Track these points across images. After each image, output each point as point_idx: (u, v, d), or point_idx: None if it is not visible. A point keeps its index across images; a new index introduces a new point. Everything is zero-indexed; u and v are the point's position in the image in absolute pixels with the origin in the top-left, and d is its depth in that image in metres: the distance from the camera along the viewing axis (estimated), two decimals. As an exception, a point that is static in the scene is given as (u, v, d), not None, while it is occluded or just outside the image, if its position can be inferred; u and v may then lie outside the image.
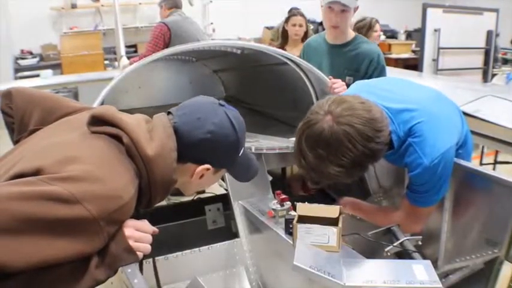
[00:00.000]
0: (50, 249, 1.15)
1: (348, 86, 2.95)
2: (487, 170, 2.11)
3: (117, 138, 1.37)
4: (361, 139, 1.74)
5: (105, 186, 1.22)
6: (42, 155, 1.29)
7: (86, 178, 1.20)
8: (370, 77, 3.08)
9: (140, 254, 1.40)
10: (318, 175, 1.86)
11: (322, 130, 1.75)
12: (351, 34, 3.16)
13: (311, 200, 2.04)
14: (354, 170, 1.83)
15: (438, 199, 2.05)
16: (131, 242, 1.37)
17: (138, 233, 1.40)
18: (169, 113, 1.58)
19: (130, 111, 3.98)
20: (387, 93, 2.05)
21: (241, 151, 1.63)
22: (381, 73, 3.10)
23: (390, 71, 3.20)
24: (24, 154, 1.35)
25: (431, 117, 1.96)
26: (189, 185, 1.59)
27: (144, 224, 1.44)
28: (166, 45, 5.17)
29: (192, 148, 1.49)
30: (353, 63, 3.08)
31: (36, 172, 1.20)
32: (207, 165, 1.53)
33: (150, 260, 1.98)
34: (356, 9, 3.03)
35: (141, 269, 1.52)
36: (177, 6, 5.60)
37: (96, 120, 1.41)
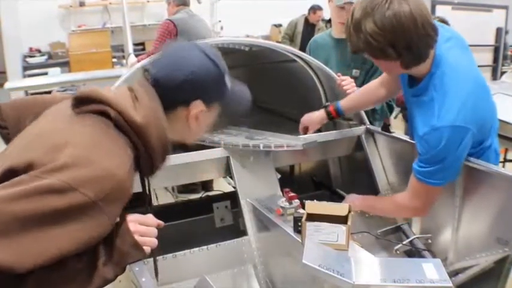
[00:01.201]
0: (56, 242, 1.15)
1: (355, 79, 2.96)
2: (497, 167, 2.09)
3: (104, 114, 1.34)
4: (411, 17, 1.80)
5: (97, 167, 1.20)
6: (31, 146, 1.28)
7: (76, 163, 1.18)
8: (377, 69, 3.07)
9: (147, 249, 1.40)
10: (356, 34, 1.89)
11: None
12: None
13: (320, 198, 2.03)
14: (387, 40, 1.83)
15: (442, 182, 1.99)
16: (137, 237, 1.37)
17: (143, 227, 1.41)
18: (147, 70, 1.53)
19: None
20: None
21: (228, 81, 1.68)
22: None
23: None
24: (13, 149, 1.35)
25: (471, 84, 1.96)
26: (188, 133, 1.57)
27: (148, 218, 1.45)
28: (174, 42, 5.17)
29: (177, 91, 1.47)
30: (360, 56, 3.06)
31: (28, 166, 1.19)
32: (198, 104, 1.50)
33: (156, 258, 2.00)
34: None
35: (156, 270, 1.51)
36: (185, 3, 5.60)
37: (80, 101, 1.37)
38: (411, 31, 1.80)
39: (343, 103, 2.60)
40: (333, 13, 3.12)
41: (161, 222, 1.47)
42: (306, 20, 8.92)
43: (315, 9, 8.74)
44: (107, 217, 1.22)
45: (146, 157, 1.39)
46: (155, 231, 1.44)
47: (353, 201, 2.27)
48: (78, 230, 1.18)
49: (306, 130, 2.67)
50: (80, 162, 1.19)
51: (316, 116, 2.66)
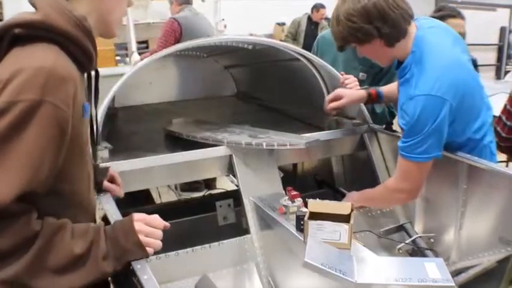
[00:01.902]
0: (24, 157, 1.19)
1: (361, 82, 2.95)
2: (500, 167, 2.09)
3: (15, 35, 1.31)
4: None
5: (25, 71, 1.21)
6: None
7: (9, 79, 1.20)
8: (385, 74, 3.08)
9: (150, 250, 1.40)
10: (337, 26, 2.07)
11: None
12: None
13: (323, 197, 2.03)
14: (363, 18, 1.99)
15: (425, 156, 2.04)
16: (141, 237, 1.38)
17: (148, 228, 1.41)
18: None
19: (142, 107, 4.02)
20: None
21: None
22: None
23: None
24: None
25: (449, 60, 2.05)
26: (108, 11, 1.49)
27: (156, 218, 1.44)
28: (177, 41, 5.18)
29: None
30: (368, 59, 3.07)
31: None
32: None
33: (157, 256, 2.01)
34: None
35: None
36: (188, 2, 5.61)
37: None
38: (382, 5, 1.96)
39: (383, 89, 2.61)
40: None
41: (167, 224, 1.47)
42: (309, 19, 8.94)
43: (318, 7, 8.77)
44: (60, 107, 1.23)
45: (69, 44, 1.35)
46: (160, 233, 1.43)
47: (352, 197, 2.31)
48: (40, 133, 1.21)
49: (335, 100, 2.58)
50: (11, 76, 1.21)
51: (357, 92, 2.61)
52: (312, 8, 8.87)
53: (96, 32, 1.47)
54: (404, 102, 2.05)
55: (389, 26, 1.99)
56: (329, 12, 8.73)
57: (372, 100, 2.59)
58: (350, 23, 2.01)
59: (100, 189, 1.87)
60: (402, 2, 2.01)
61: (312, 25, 8.90)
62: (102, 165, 2.03)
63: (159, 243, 1.42)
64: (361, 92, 2.58)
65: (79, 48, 1.37)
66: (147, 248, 1.39)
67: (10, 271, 1.21)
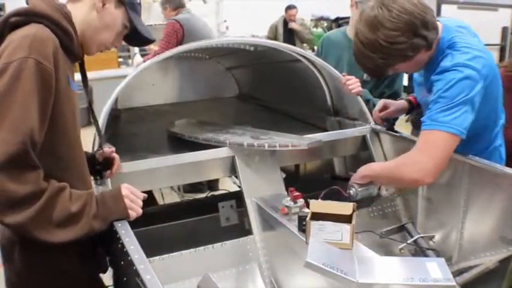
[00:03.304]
0: (20, 99, 1.41)
1: (365, 82, 2.96)
2: (502, 167, 2.09)
3: (12, 25, 1.56)
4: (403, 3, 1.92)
5: (17, 40, 1.47)
6: None
7: (4, 47, 1.48)
8: (388, 76, 3.08)
9: (132, 214, 1.66)
10: (376, 54, 1.96)
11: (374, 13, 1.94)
12: None
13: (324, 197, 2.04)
14: (408, 33, 1.91)
15: (449, 127, 1.91)
16: (127, 201, 1.65)
17: (132, 195, 1.67)
18: None
19: (146, 108, 4.04)
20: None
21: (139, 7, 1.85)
22: (400, 73, 3.11)
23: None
24: None
25: (480, 43, 2.05)
26: (94, 23, 1.71)
27: (137, 190, 1.71)
28: (179, 42, 5.18)
29: None
30: None
31: None
32: None
33: (160, 256, 2.02)
34: None
35: None
36: (182, 5, 5.61)
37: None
38: (417, 11, 1.90)
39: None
40: (355, 15, 3.09)
41: (145, 195, 1.74)
42: (285, 21, 9.04)
43: (287, 8, 8.98)
44: (42, 62, 1.44)
45: (51, 25, 1.57)
46: (141, 202, 1.70)
47: (373, 169, 2.16)
48: (28, 84, 1.41)
49: (383, 110, 2.57)
50: (6, 46, 1.48)
51: (400, 102, 2.61)
52: (285, 9, 9.04)
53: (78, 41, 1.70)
54: (439, 73, 1.98)
55: (430, 29, 1.94)
56: (301, 11, 8.89)
57: (413, 107, 2.57)
58: (397, 45, 1.91)
59: (101, 176, 2.05)
60: (422, 0, 1.96)
61: (288, 27, 9.05)
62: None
63: (140, 210, 1.68)
64: (404, 102, 2.58)
65: (60, 29, 1.59)
66: (130, 212, 1.65)
67: (18, 218, 1.41)
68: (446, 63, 1.97)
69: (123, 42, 1.90)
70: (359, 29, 2.01)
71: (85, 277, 1.76)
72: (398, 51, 1.94)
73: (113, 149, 2.07)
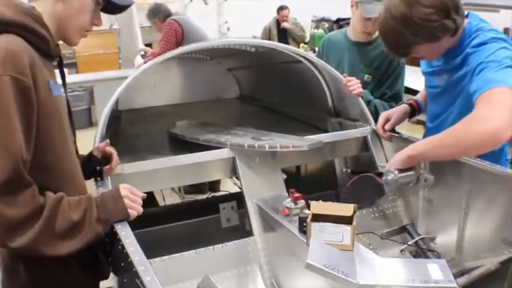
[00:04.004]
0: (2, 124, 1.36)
1: (366, 84, 2.97)
2: (504, 168, 2.09)
3: None
4: None
5: None
6: None
7: None
8: (388, 77, 3.09)
9: (133, 213, 1.64)
10: (408, 29, 1.97)
11: None
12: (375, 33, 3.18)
13: (326, 198, 2.03)
14: (442, 13, 1.94)
15: (505, 80, 1.83)
16: (126, 201, 1.63)
17: (132, 195, 1.66)
18: None
19: (147, 109, 4.04)
20: None
21: None
22: (401, 73, 3.12)
23: (407, 69, 3.21)
24: None
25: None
26: (68, 17, 1.62)
27: (135, 189, 1.70)
28: (179, 42, 5.20)
29: None
30: (374, 62, 3.10)
31: None
32: None
33: (161, 258, 2.02)
34: None
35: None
36: (169, 14, 5.65)
37: None
38: None
39: (417, 97, 2.62)
40: (357, 21, 3.08)
41: (144, 195, 1.72)
42: (278, 22, 9.11)
43: (279, 9, 9.07)
44: (19, 78, 1.38)
45: (20, 30, 1.47)
46: (140, 201, 1.69)
47: (415, 148, 2.04)
48: (11, 108, 1.36)
49: (386, 122, 2.55)
50: None
51: (401, 107, 2.60)
52: (276, 10, 9.10)
53: (57, 37, 1.64)
54: (474, 48, 2.02)
55: (460, 14, 1.98)
56: (293, 12, 8.92)
57: (414, 110, 2.57)
58: (429, 23, 1.94)
59: (101, 176, 2.04)
60: None
61: (281, 27, 9.10)
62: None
63: (140, 209, 1.67)
64: (405, 106, 2.58)
65: (33, 34, 1.50)
66: (130, 211, 1.63)
67: (23, 240, 1.39)
68: (481, 39, 2.02)
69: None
70: (392, 4, 2.00)
71: (87, 286, 1.76)
72: (429, 30, 1.96)
73: (107, 141, 2.08)
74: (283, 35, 9.11)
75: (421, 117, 2.76)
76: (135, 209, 1.65)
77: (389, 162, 2.11)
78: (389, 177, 2.07)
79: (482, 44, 2.00)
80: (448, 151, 1.94)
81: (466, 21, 2.10)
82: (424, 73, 2.43)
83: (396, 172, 2.05)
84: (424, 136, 2.45)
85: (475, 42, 2.03)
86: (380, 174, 2.15)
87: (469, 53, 2.03)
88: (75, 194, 1.61)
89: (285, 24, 9.08)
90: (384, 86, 3.10)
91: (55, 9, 1.60)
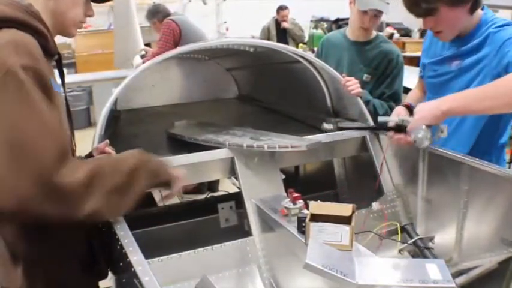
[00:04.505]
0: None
1: (365, 83, 2.97)
2: (502, 168, 2.09)
3: None
4: None
5: None
6: None
7: None
8: (387, 77, 3.10)
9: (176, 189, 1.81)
10: None
11: None
12: (373, 33, 3.19)
13: (324, 199, 2.03)
14: None
15: None
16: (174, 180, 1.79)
17: (181, 179, 1.83)
18: None
19: (145, 109, 4.04)
20: None
21: None
22: (399, 73, 3.13)
23: (406, 69, 3.22)
24: None
25: None
26: (61, 12, 1.65)
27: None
28: (177, 42, 5.20)
29: None
30: (372, 61, 3.11)
31: None
32: None
33: (159, 258, 2.02)
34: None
35: None
36: (168, 14, 5.65)
37: None
38: None
39: (409, 99, 2.64)
40: (355, 17, 3.11)
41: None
42: (277, 21, 9.10)
43: (279, 9, 9.03)
44: (36, 66, 1.42)
45: (20, 26, 1.48)
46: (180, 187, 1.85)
47: (450, 102, 1.99)
48: (39, 97, 1.40)
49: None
50: None
51: (399, 110, 2.52)
52: (276, 10, 9.09)
53: (53, 32, 1.65)
54: (498, 28, 2.13)
55: None
56: (292, 12, 8.92)
57: (411, 112, 2.48)
58: None
59: None
60: None
61: (281, 27, 9.09)
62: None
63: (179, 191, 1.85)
64: (403, 108, 2.50)
65: (34, 31, 1.51)
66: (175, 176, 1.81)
67: (91, 205, 1.43)
68: (503, 22, 2.14)
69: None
70: None
71: (86, 286, 1.77)
72: None
73: (107, 141, 2.08)
74: (283, 35, 9.12)
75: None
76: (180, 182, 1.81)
77: (416, 117, 2.05)
78: (419, 135, 2.01)
79: (506, 25, 2.11)
80: (490, 103, 1.91)
81: (481, 12, 2.20)
82: (427, 64, 2.45)
83: (425, 128, 2.00)
84: None
85: (497, 24, 2.14)
86: (400, 128, 2.12)
87: (492, 32, 2.13)
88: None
89: (284, 24, 9.09)
90: (383, 85, 3.10)
91: (48, 5, 1.63)
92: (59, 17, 1.65)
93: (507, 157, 4.46)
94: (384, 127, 2.26)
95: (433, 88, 2.42)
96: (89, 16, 1.78)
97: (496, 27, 2.14)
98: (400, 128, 2.14)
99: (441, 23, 2.16)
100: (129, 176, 1.57)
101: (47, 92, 1.45)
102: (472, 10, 2.13)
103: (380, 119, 2.33)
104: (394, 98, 3.08)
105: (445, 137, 2.16)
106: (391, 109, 3.02)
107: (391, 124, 2.22)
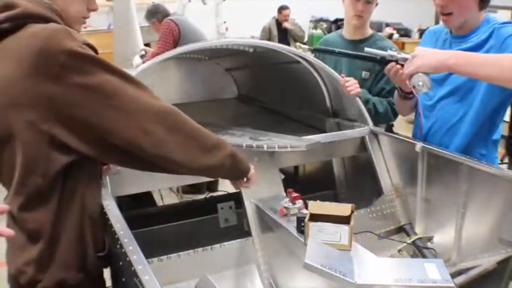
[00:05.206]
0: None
1: (364, 81, 2.98)
2: (501, 168, 2.10)
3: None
4: None
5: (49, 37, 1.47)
6: None
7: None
8: (384, 74, 3.09)
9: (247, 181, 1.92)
10: None
11: None
12: (369, 31, 3.20)
13: (323, 198, 2.04)
14: None
15: None
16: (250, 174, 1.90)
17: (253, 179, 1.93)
18: None
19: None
20: None
21: None
22: None
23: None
24: None
25: None
26: (65, 9, 1.67)
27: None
28: (176, 41, 5.20)
29: None
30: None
31: None
32: None
33: (159, 257, 2.02)
34: (376, 4, 3.13)
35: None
36: (167, 14, 5.65)
37: None
38: None
39: None
40: (348, 8, 3.12)
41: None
42: (278, 22, 9.08)
43: (281, 8, 8.99)
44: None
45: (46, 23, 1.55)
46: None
47: (455, 57, 2.01)
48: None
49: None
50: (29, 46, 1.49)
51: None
52: (277, 10, 9.06)
53: None
54: (503, 24, 2.19)
55: None
56: (292, 12, 8.91)
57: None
58: None
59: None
60: None
61: (282, 27, 9.07)
62: None
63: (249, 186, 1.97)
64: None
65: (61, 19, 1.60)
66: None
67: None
68: (506, 20, 2.24)
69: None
70: None
71: (97, 273, 1.76)
72: None
73: None
74: (284, 35, 9.10)
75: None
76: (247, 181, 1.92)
77: (418, 63, 2.05)
78: (420, 82, 2.03)
79: (511, 23, 2.18)
80: (487, 70, 1.94)
81: (485, 14, 2.29)
82: None
83: (424, 74, 2.03)
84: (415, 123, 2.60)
85: (501, 21, 2.22)
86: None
87: (497, 28, 2.18)
88: (97, 183, 1.71)
89: (286, 24, 9.07)
90: (382, 81, 3.10)
91: (54, 2, 1.64)
92: (64, 14, 1.66)
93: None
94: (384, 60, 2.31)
95: (435, 81, 2.43)
96: (93, 10, 1.80)
97: (500, 24, 2.20)
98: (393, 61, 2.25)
99: (455, 2, 2.20)
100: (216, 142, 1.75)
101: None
102: (481, 6, 2.22)
103: (367, 49, 2.42)
104: (393, 93, 3.08)
105: (442, 132, 2.35)
106: (391, 105, 3.03)
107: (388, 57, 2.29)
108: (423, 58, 2.04)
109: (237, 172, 1.87)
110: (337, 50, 2.72)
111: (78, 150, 1.54)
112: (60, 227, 1.58)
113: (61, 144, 1.52)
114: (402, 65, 2.18)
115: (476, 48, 2.21)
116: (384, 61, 2.29)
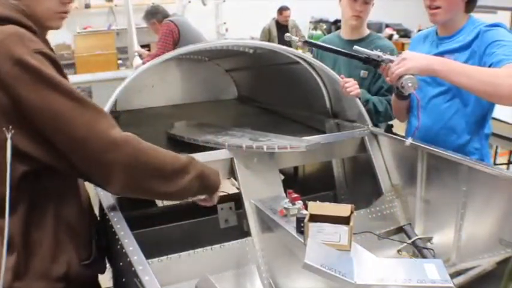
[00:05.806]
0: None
1: (362, 80, 2.98)
2: (500, 169, 2.10)
3: None
4: None
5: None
6: None
7: None
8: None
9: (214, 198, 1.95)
10: None
11: None
12: (366, 31, 3.20)
13: (323, 199, 2.04)
14: None
15: None
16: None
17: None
18: None
19: (145, 110, 4.03)
20: None
21: None
22: None
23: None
24: None
25: None
26: (35, 4, 1.56)
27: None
28: (176, 42, 5.21)
29: None
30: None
31: None
32: None
33: (159, 258, 2.03)
34: (372, 4, 3.13)
35: None
36: (167, 15, 5.66)
37: None
38: None
39: None
40: (345, 8, 3.13)
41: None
42: (278, 23, 9.06)
43: (281, 9, 8.95)
44: (47, 52, 1.47)
45: (14, 24, 1.47)
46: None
47: (443, 64, 2.11)
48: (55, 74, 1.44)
49: None
50: None
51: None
52: (277, 11, 9.03)
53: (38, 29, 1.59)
54: (488, 27, 2.25)
55: None
56: (300, 14, 8.89)
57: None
58: None
59: None
60: None
61: (282, 28, 9.05)
62: None
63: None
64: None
65: (22, 26, 1.48)
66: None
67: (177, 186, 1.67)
68: (492, 23, 2.26)
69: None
70: None
71: (84, 281, 1.74)
72: None
73: None
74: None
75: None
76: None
77: (409, 65, 2.12)
78: (409, 83, 2.11)
79: (495, 26, 2.22)
80: (465, 81, 2.04)
81: (469, 15, 2.38)
82: None
83: (412, 76, 2.11)
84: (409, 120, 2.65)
85: (487, 24, 2.26)
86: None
87: (483, 30, 2.23)
88: (74, 193, 1.64)
89: (288, 23, 9.04)
90: (380, 80, 3.11)
91: (21, 2, 1.54)
92: (32, 10, 1.56)
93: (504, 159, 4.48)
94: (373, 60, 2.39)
95: (424, 81, 2.45)
96: (67, 3, 1.65)
97: (486, 26, 2.25)
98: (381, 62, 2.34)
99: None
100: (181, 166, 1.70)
101: (62, 73, 1.50)
102: (467, 9, 2.32)
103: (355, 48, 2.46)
104: (391, 92, 3.09)
105: (437, 128, 2.43)
106: (390, 103, 3.04)
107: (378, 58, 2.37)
108: (412, 61, 2.12)
109: (207, 190, 1.88)
110: (326, 45, 2.75)
111: (38, 158, 1.47)
112: (32, 237, 1.53)
113: (19, 152, 1.44)
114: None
115: (461, 49, 2.31)
116: (368, 60, 2.38)
